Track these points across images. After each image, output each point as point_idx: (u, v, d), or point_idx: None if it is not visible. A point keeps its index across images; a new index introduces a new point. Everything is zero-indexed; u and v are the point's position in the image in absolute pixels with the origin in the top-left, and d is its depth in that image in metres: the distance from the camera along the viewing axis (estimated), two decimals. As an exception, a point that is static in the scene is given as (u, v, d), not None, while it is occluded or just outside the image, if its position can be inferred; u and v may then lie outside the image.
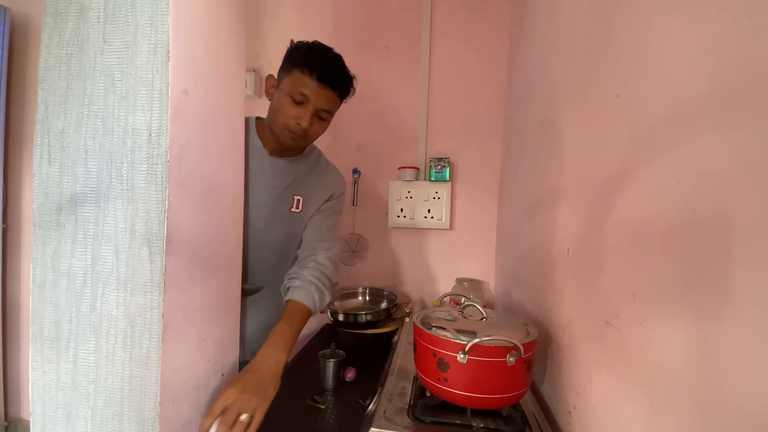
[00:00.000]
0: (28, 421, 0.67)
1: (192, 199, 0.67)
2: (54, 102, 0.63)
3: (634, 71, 0.50)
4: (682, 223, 0.38)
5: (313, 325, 1.46)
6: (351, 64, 0.91)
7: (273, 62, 1.62)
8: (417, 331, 0.68)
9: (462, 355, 0.59)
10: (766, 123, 0.29)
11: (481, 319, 0.69)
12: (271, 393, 0.71)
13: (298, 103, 0.83)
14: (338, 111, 0.91)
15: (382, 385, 0.73)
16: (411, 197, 1.48)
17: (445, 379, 0.61)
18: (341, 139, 1.55)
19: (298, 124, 0.84)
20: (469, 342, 0.58)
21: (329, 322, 1.34)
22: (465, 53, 1.47)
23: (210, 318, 0.73)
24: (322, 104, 0.84)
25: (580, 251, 0.65)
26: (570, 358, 0.66)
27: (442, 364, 0.61)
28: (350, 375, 0.95)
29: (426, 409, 0.65)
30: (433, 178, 1.45)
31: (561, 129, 0.78)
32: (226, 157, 0.77)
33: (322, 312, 1.25)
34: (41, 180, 0.64)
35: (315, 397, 0.86)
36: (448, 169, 1.44)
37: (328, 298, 0.91)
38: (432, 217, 1.47)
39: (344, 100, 0.91)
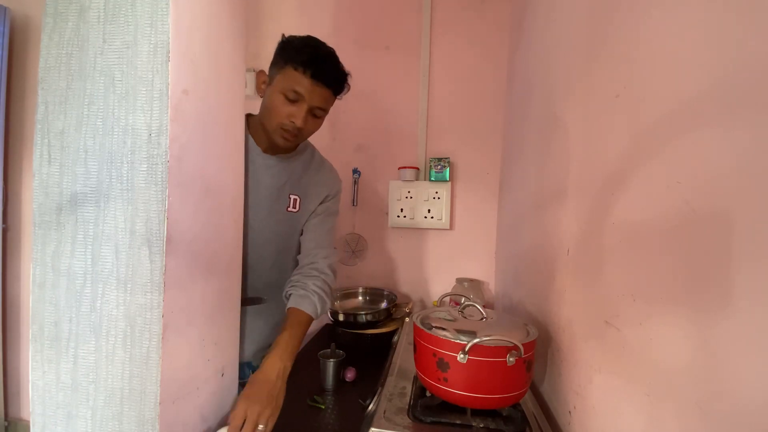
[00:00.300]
0: (28, 421, 0.67)
1: (192, 199, 0.67)
2: (54, 102, 0.63)
3: (634, 71, 0.50)
4: (682, 223, 0.38)
5: (313, 326, 1.45)
6: (351, 64, 0.91)
7: (273, 62, 1.62)
8: (417, 331, 0.68)
9: (462, 355, 0.59)
10: (765, 122, 0.29)
11: (481, 319, 0.69)
12: (281, 401, 0.76)
13: (292, 102, 0.82)
14: (338, 111, 0.93)
15: (382, 385, 0.73)
16: (411, 197, 1.48)
17: (445, 379, 0.61)
18: (341, 139, 1.55)
19: (293, 122, 0.82)
20: (469, 342, 0.58)
21: (329, 322, 1.34)
22: (465, 53, 1.47)
23: (210, 318, 0.73)
24: (317, 102, 0.83)
25: (580, 251, 0.65)
26: (570, 358, 0.66)
27: (442, 364, 0.61)
28: (350, 375, 0.95)
29: (426, 409, 0.65)
30: (433, 178, 1.45)
31: (561, 129, 0.78)
32: (226, 157, 0.77)
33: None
34: (41, 180, 0.64)
35: (315, 397, 0.86)
36: (448, 169, 1.44)
37: (328, 306, 0.93)
38: (432, 217, 1.47)
39: (338, 97, 0.89)
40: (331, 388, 0.91)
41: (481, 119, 1.47)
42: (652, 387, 0.42)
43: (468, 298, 0.85)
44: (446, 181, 1.45)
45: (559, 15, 0.84)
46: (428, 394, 0.69)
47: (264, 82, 0.87)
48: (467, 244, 1.49)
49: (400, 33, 1.51)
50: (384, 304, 1.37)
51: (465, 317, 0.70)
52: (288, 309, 0.88)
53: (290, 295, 0.90)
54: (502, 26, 1.45)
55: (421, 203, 1.47)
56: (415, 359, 0.70)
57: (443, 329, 0.64)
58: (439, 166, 1.45)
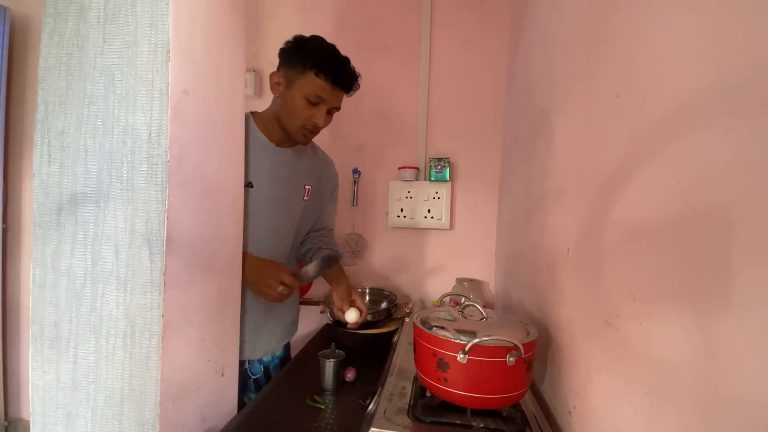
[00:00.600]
0: (28, 421, 0.67)
1: (192, 199, 0.67)
2: (54, 102, 0.63)
3: (634, 71, 0.50)
4: (682, 223, 0.38)
5: (312, 325, 1.46)
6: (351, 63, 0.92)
7: (273, 62, 1.60)
8: (417, 331, 0.68)
9: (462, 355, 0.59)
10: (765, 122, 0.29)
11: (481, 319, 0.69)
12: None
13: (313, 104, 0.90)
14: (338, 111, 0.97)
15: (382, 385, 0.73)
16: (411, 197, 1.48)
17: (445, 379, 0.61)
18: (341, 139, 1.55)
19: (315, 123, 0.92)
20: (469, 342, 0.58)
21: (329, 322, 1.34)
22: (465, 53, 1.47)
23: (210, 318, 0.73)
24: (335, 103, 0.93)
25: (580, 251, 0.65)
26: (570, 358, 0.66)
27: (442, 364, 0.61)
28: (350, 375, 0.95)
29: (426, 409, 0.65)
30: (433, 178, 1.45)
31: (561, 129, 0.78)
32: (226, 157, 0.77)
33: (322, 312, 1.33)
34: (41, 180, 0.64)
35: (315, 397, 0.86)
36: (448, 169, 1.44)
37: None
38: (432, 217, 1.47)
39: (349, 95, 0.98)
40: (331, 388, 0.91)
41: (481, 119, 1.47)
42: (652, 387, 0.42)
43: (468, 298, 0.85)
44: (446, 181, 1.45)
45: (559, 15, 0.84)
46: (428, 394, 0.69)
47: (278, 83, 0.92)
48: (467, 244, 1.49)
49: (400, 33, 1.51)
50: (384, 304, 1.36)
51: (465, 317, 0.70)
52: (329, 256, 1.04)
53: (318, 249, 1.10)
54: (502, 26, 1.45)
55: (421, 203, 1.47)
56: (415, 359, 0.70)
57: (443, 329, 0.64)
58: (439, 166, 1.45)
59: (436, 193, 1.46)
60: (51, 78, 0.64)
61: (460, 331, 0.63)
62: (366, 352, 1.15)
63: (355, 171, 1.53)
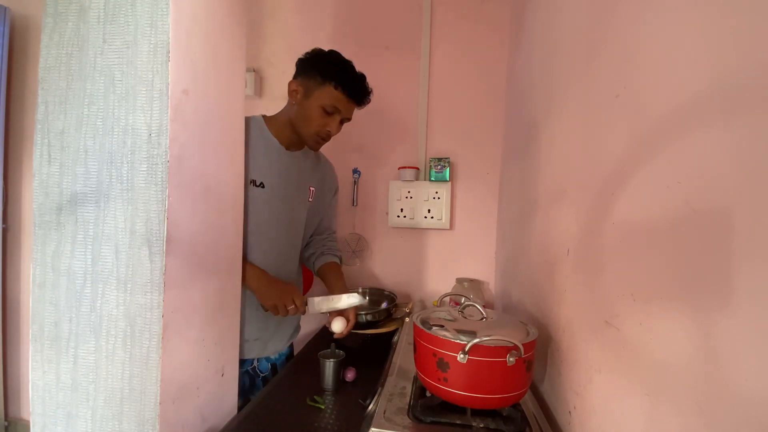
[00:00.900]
0: (28, 421, 0.67)
1: (192, 199, 0.67)
2: (54, 102, 0.63)
3: (634, 71, 0.50)
4: (682, 223, 0.38)
5: (312, 325, 1.46)
6: (351, 64, 0.92)
7: (273, 62, 1.62)
8: (417, 331, 0.68)
9: (462, 355, 0.59)
10: (765, 122, 0.29)
11: (481, 319, 0.69)
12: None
13: (329, 114, 0.96)
14: (349, 122, 1.03)
15: (382, 385, 0.73)
16: (411, 197, 1.48)
17: (445, 379, 0.61)
18: (341, 139, 1.54)
19: (329, 132, 0.99)
20: (469, 342, 0.58)
21: (329, 321, 1.33)
22: (465, 53, 1.47)
23: (210, 318, 0.73)
24: (347, 114, 1.00)
25: (580, 251, 0.65)
26: (570, 358, 0.66)
27: (442, 364, 0.61)
28: (350, 375, 0.95)
29: (426, 409, 0.65)
30: (433, 178, 1.45)
31: (561, 129, 0.78)
32: (226, 157, 0.77)
33: (322, 313, 1.31)
34: (41, 180, 0.64)
35: (315, 397, 0.86)
36: (448, 169, 1.44)
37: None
38: (432, 217, 1.47)
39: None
40: (331, 388, 0.91)
41: (481, 119, 1.47)
42: (652, 387, 0.42)
43: (468, 298, 0.85)
44: (446, 181, 1.45)
45: (559, 15, 0.84)
46: (428, 394, 0.69)
47: (295, 91, 0.98)
48: (467, 244, 1.49)
49: (400, 33, 1.51)
50: (384, 304, 1.36)
51: (465, 317, 0.70)
52: (331, 262, 1.15)
53: (323, 254, 1.17)
54: (501, 26, 1.45)
55: (421, 203, 1.47)
56: (415, 359, 0.70)
57: (443, 329, 0.64)
58: (439, 166, 1.45)
59: (436, 193, 1.46)
60: (51, 78, 0.64)
61: (460, 331, 0.63)
62: (366, 352, 1.15)
63: (355, 171, 1.53)
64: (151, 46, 0.60)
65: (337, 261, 1.19)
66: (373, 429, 0.59)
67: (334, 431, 0.75)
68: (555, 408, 0.72)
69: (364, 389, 0.90)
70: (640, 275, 0.46)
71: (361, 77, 0.99)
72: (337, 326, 0.98)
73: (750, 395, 0.30)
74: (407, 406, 0.66)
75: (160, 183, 0.60)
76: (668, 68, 0.42)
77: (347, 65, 0.98)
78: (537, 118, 0.97)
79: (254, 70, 1.59)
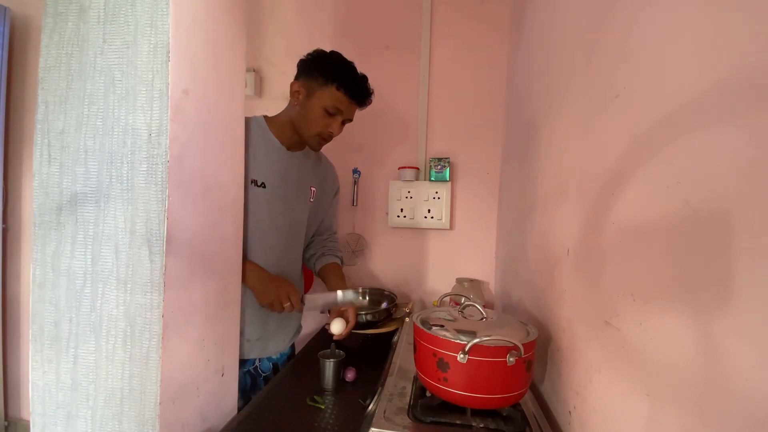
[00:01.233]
0: (28, 421, 0.67)
1: (192, 199, 0.67)
2: (54, 102, 0.63)
3: (634, 71, 0.50)
4: (682, 223, 0.38)
5: (312, 326, 1.46)
6: (351, 64, 0.92)
7: (273, 62, 1.62)
8: (417, 331, 0.68)
9: (462, 355, 0.59)
10: (765, 122, 0.29)
11: (481, 319, 0.69)
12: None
13: (331, 115, 0.97)
14: (350, 123, 1.03)
15: (382, 385, 0.73)
16: (411, 197, 1.48)
17: (445, 379, 0.61)
18: (341, 139, 1.54)
19: (330, 132, 0.99)
20: (469, 342, 0.58)
21: (329, 322, 1.34)
22: (465, 53, 1.47)
23: (210, 318, 0.73)
24: (349, 115, 1.00)
25: (580, 251, 0.65)
26: (570, 358, 0.66)
27: (442, 364, 0.61)
28: (350, 375, 0.95)
29: (426, 409, 0.65)
30: (433, 178, 1.45)
31: (561, 129, 0.78)
32: (225, 157, 0.77)
33: (322, 312, 1.35)
34: (41, 180, 0.64)
35: (315, 397, 0.86)
36: (448, 169, 1.44)
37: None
38: (432, 217, 1.47)
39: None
40: (331, 388, 0.91)
41: (481, 119, 1.47)
42: (652, 387, 0.42)
43: (468, 298, 0.85)
44: (446, 181, 1.45)
45: (559, 15, 0.84)
46: (428, 394, 0.69)
47: (297, 92, 0.98)
48: (467, 244, 1.49)
49: (400, 33, 1.51)
50: (384, 304, 1.36)
51: (465, 317, 0.70)
52: (332, 263, 1.16)
53: (324, 255, 1.18)
54: (501, 26, 1.45)
55: (421, 203, 1.47)
56: (415, 359, 0.70)
57: (443, 329, 0.64)
58: (439, 166, 1.45)
59: (436, 193, 1.46)
60: (51, 78, 0.64)
61: (460, 331, 0.63)
62: (366, 352, 1.15)
63: (355, 171, 1.53)
64: (151, 46, 0.60)
65: (338, 262, 1.19)
66: (373, 429, 0.59)
67: (334, 431, 0.75)
68: (555, 408, 0.72)
69: (364, 389, 0.90)
70: (640, 275, 0.46)
71: (363, 78, 1.00)
72: (336, 327, 0.98)
73: (750, 395, 0.30)
74: (407, 406, 0.66)
75: (160, 183, 0.60)
76: (668, 68, 0.42)
77: (349, 66, 0.98)
78: (537, 117, 0.97)
79: (254, 70, 1.59)
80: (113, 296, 0.62)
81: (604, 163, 0.57)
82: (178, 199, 0.63)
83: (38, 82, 0.64)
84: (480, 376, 0.60)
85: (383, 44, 1.53)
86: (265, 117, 1.04)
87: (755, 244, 0.30)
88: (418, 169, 1.47)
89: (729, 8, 0.34)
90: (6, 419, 1.73)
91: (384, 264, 1.55)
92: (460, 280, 1.42)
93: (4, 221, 1.68)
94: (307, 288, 1.46)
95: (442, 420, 0.62)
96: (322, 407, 0.83)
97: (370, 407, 0.70)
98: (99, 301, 0.62)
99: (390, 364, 0.84)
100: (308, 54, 1.00)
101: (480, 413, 0.64)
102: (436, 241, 1.51)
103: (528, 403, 0.72)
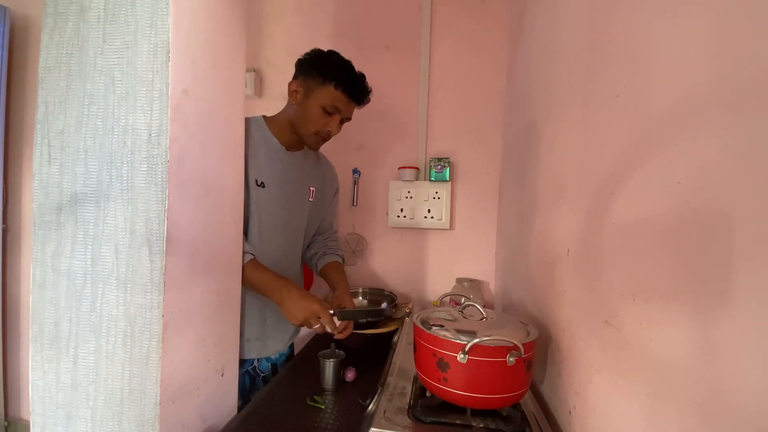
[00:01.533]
0: (28, 421, 0.67)
1: (192, 199, 0.67)
2: (54, 102, 0.63)
3: (634, 71, 0.50)
4: (682, 223, 0.38)
5: (313, 325, 1.46)
6: (351, 64, 0.93)
7: (273, 62, 1.62)
8: (417, 331, 0.68)
9: (462, 355, 0.59)
10: (765, 122, 0.29)
11: (481, 319, 0.69)
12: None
13: (329, 114, 0.97)
14: (349, 121, 1.03)
15: (382, 385, 0.73)
16: (411, 197, 1.48)
17: (445, 379, 0.61)
18: (341, 139, 1.54)
19: (329, 131, 0.99)
20: (469, 342, 0.58)
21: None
22: (465, 53, 1.47)
23: (210, 318, 0.73)
24: (347, 114, 1.00)
25: (580, 251, 0.65)
26: (570, 358, 0.66)
27: (442, 364, 0.61)
28: (350, 375, 0.95)
29: (426, 409, 0.65)
30: (433, 178, 1.45)
31: (561, 129, 0.78)
32: (226, 157, 0.77)
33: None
34: (41, 180, 0.64)
35: (315, 397, 0.86)
36: (448, 169, 1.44)
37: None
38: (432, 217, 1.47)
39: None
40: (331, 388, 0.91)
41: (480, 119, 1.47)
42: (652, 387, 0.42)
43: (468, 298, 0.85)
44: (446, 181, 1.45)
45: (559, 15, 0.84)
46: (428, 394, 0.69)
47: (296, 91, 0.98)
48: (467, 244, 1.49)
49: (400, 33, 1.51)
50: (384, 304, 1.36)
51: (465, 317, 0.70)
52: (334, 262, 1.17)
53: (326, 254, 1.18)
54: (501, 26, 1.45)
55: (421, 203, 1.47)
56: (415, 359, 0.70)
57: (443, 329, 0.64)
58: (439, 166, 1.45)
59: (436, 193, 1.46)
60: (51, 78, 0.64)
61: (460, 331, 0.63)
62: (366, 352, 1.15)
63: (355, 171, 1.53)
64: (151, 46, 0.60)
65: (340, 260, 1.20)
66: (373, 429, 0.59)
67: (334, 431, 0.75)
68: (555, 408, 0.72)
69: (364, 389, 0.90)
70: (640, 275, 0.46)
71: (361, 77, 1.00)
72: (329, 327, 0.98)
73: (750, 395, 0.30)
74: (407, 406, 0.66)
75: (160, 183, 0.60)
76: (668, 68, 0.42)
77: (347, 65, 0.98)
78: (537, 118, 0.97)
79: (254, 70, 1.59)
80: (113, 296, 0.62)
81: (604, 162, 0.57)
82: (178, 199, 0.63)
83: (38, 82, 0.64)
84: (480, 376, 0.60)
85: (383, 44, 1.53)
86: (265, 117, 1.04)
87: (755, 244, 0.30)
88: (418, 169, 1.47)
89: (729, 8, 0.34)
90: (6, 419, 1.73)
91: (384, 264, 1.55)
92: (460, 280, 1.42)
93: (4, 221, 1.68)
94: (307, 287, 1.46)
95: (442, 420, 0.62)
96: (322, 407, 0.83)
97: (370, 407, 0.70)
98: (99, 301, 0.62)
99: (390, 364, 0.84)
100: (306, 53, 1.00)
101: (480, 413, 0.64)
102: (436, 241, 1.51)
103: (528, 403, 0.72)
